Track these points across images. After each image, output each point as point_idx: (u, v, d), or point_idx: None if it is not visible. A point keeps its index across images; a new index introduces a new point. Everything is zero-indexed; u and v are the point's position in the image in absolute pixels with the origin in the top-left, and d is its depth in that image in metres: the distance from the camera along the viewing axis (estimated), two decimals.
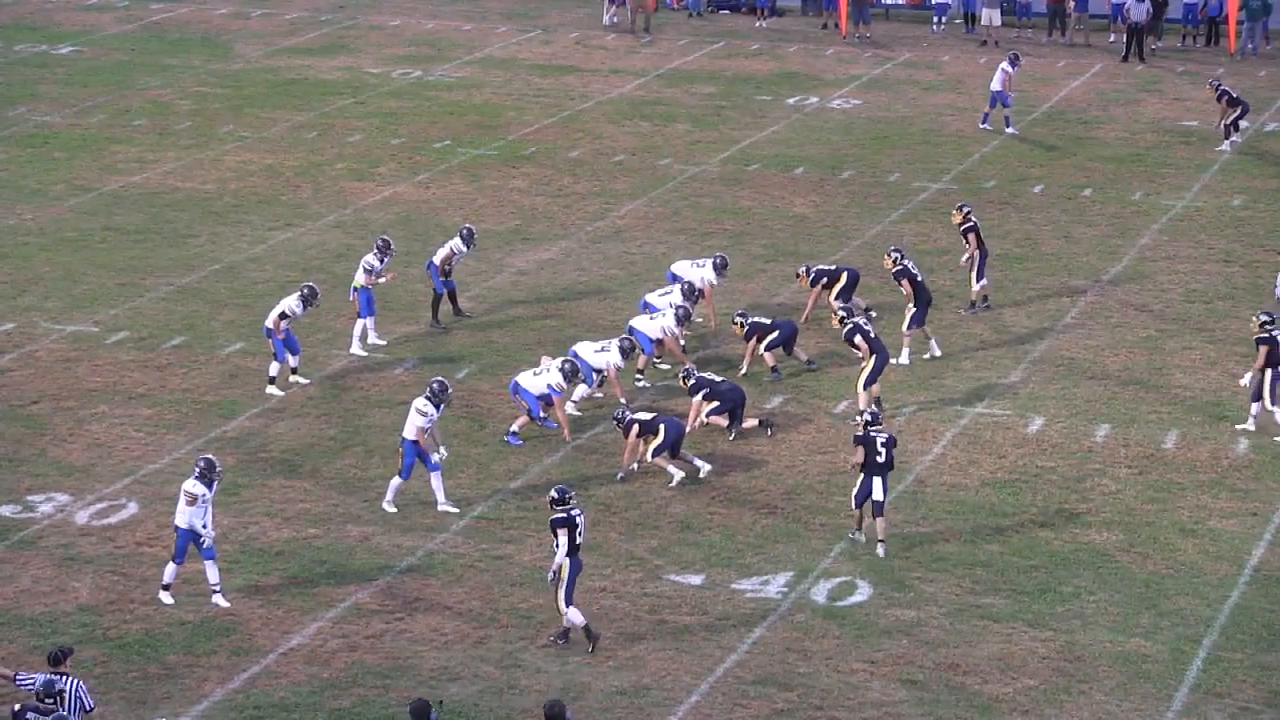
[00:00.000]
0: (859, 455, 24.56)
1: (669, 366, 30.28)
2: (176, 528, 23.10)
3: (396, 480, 25.70)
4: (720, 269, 31.86)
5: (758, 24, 56.01)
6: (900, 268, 30.81)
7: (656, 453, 26.53)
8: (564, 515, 22.18)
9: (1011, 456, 27.53)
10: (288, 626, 22.73)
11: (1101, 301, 33.69)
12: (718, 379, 28.27)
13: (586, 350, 28.95)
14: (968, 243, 32.89)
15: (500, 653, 22.16)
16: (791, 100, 47.30)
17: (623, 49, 52.81)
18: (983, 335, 32.09)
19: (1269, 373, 27.96)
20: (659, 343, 30.04)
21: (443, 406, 25.90)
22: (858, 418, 25.11)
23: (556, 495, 22.36)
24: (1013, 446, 27.86)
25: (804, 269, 32.42)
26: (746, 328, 30.24)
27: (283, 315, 29.33)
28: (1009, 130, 43.93)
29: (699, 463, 26.84)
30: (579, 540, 22.23)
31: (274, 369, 29.52)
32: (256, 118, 45.30)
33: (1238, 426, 28.27)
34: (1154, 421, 28.69)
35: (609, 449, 27.54)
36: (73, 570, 24.01)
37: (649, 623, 22.87)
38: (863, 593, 23.65)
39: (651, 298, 31.19)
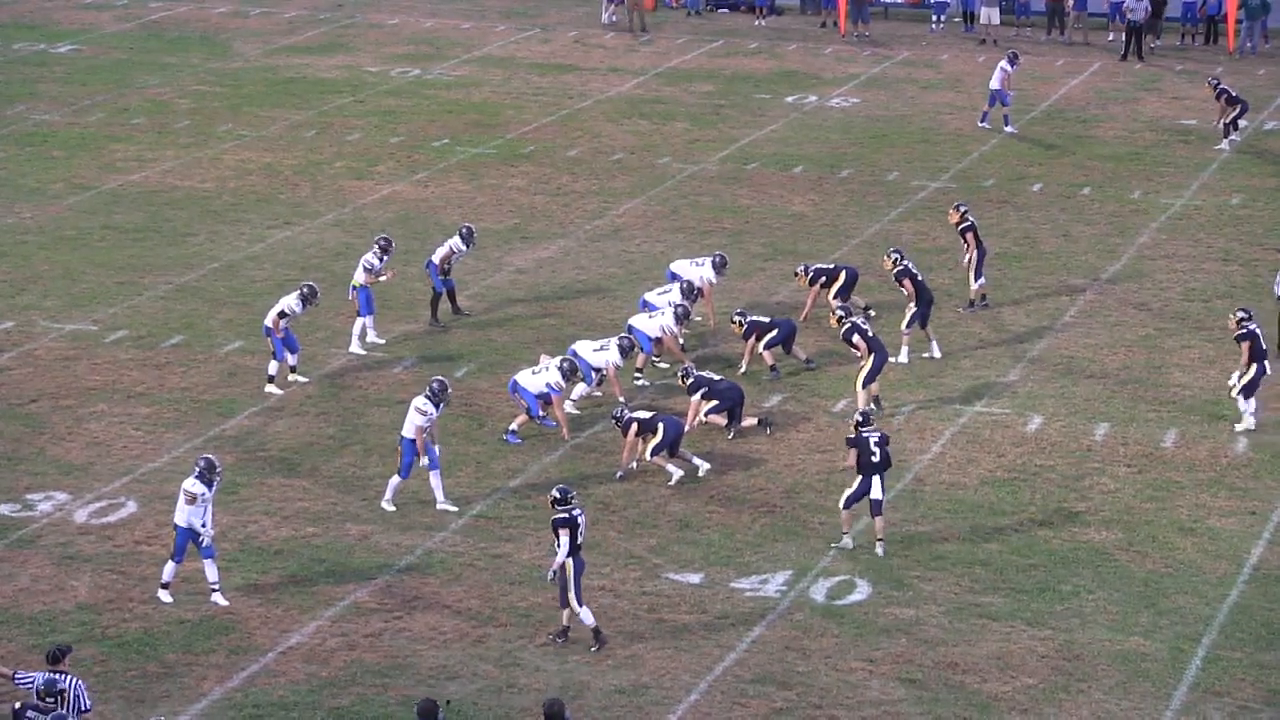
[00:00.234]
0: (852, 458, 24.55)
1: (668, 365, 30.27)
2: (175, 526, 23.09)
3: (395, 479, 25.69)
4: (719, 267, 31.84)
5: (756, 22, 55.98)
6: (901, 268, 30.80)
7: (655, 451, 26.52)
8: (565, 515, 22.16)
9: (1010, 455, 27.52)
10: (286, 625, 22.72)
11: (1100, 300, 33.67)
12: (716, 377, 28.26)
13: (585, 349, 28.93)
14: (966, 242, 32.88)
15: (499, 651, 22.14)
16: (790, 99, 47.28)
17: (621, 47, 52.80)
18: (981, 334, 32.08)
19: (1254, 367, 27.98)
20: (658, 341, 30.02)
21: (442, 406, 25.89)
22: (856, 417, 25.12)
23: (558, 495, 22.33)
24: (1011, 445, 27.85)
25: (802, 268, 32.41)
26: (745, 326, 30.22)
27: (282, 314, 29.31)
28: (1007, 129, 43.90)
29: (698, 461, 26.83)
30: (580, 540, 22.23)
31: (273, 367, 29.51)
32: (255, 116, 45.28)
33: (1237, 426, 28.26)
34: (1153, 420, 28.68)
35: (608, 448, 27.53)
36: (71, 569, 24.00)
37: (648, 621, 22.86)
38: (861, 591, 23.64)
39: (650, 296, 31.17)
